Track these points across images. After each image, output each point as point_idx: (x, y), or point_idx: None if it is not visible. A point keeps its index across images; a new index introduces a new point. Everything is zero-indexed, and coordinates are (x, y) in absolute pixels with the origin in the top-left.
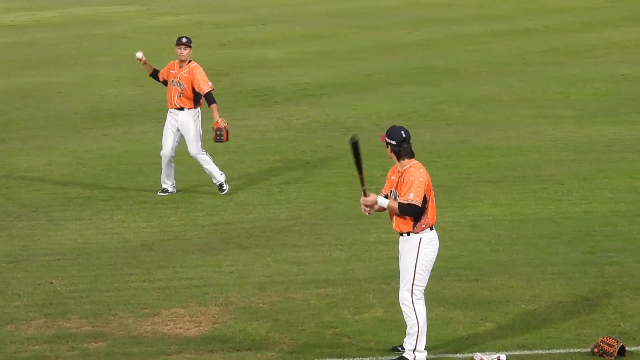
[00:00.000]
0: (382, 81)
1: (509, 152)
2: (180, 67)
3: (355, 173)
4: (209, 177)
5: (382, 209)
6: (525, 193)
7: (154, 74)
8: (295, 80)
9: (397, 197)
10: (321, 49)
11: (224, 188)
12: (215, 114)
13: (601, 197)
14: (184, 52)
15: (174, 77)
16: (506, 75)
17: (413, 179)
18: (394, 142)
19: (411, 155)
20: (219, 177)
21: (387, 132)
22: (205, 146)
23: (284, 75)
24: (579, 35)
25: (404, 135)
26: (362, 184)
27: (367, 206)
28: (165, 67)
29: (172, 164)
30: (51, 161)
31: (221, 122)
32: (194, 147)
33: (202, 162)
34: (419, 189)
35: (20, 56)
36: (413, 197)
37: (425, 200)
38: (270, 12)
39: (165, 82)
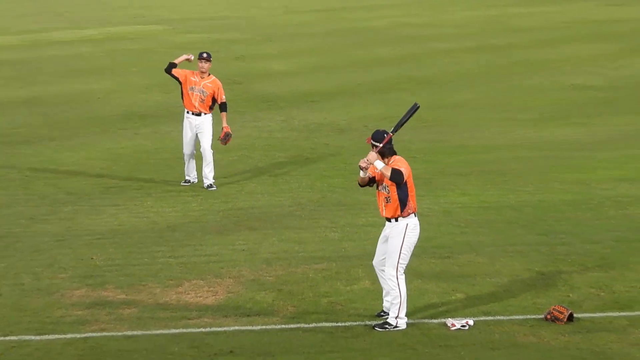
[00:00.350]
0: (371, 89)
1: (477, 150)
2: (202, 78)
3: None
4: (224, 171)
5: (370, 177)
6: (489, 184)
7: (172, 67)
8: (297, 88)
9: (387, 189)
10: (319, 62)
11: (213, 188)
12: (225, 120)
13: (553, 188)
14: (205, 65)
15: (196, 85)
16: (476, 84)
17: (399, 163)
18: (379, 144)
19: (394, 153)
20: (212, 177)
21: (372, 135)
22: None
23: (288, 84)
24: (537, 51)
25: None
26: (393, 131)
27: (368, 160)
28: (185, 71)
29: (194, 160)
30: (91, 156)
31: (228, 128)
32: (207, 144)
33: (208, 157)
34: (404, 170)
35: (66, 67)
36: (399, 173)
37: (407, 187)
38: (276, 31)
39: (178, 80)
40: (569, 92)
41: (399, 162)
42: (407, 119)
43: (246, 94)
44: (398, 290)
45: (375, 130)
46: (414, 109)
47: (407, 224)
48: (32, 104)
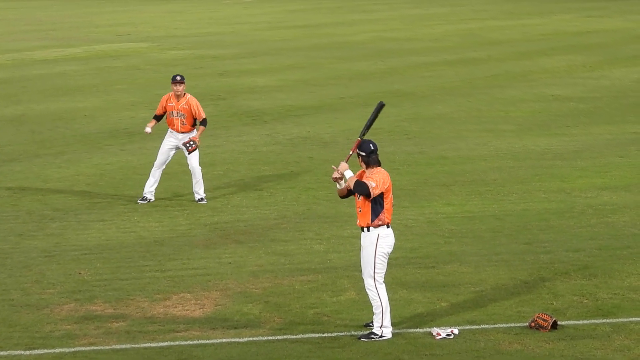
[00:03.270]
0: (353, 103)
1: (459, 161)
2: (177, 101)
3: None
4: (210, 185)
5: (341, 186)
6: (473, 194)
7: (158, 120)
8: (281, 103)
9: (360, 197)
10: (302, 77)
11: (204, 202)
12: (199, 133)
13: (536, 197)
14: (179, 87)
15: (174, 109)
16: (456, 96)
17: (376, 176)
18: (364, 154)
19: (378, 164)
20: (202, 192)
21: (359, 145)
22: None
23: (272, 99)
24: (517, 63)
25: (372, 148)
26: (361, 135)
27: (338, 170)
28: (161, 102)
29: (159, 176)
30: (78, 172)
31: (197, 139)
32: (195, 161)
33: (197, 175)
34: (379, 182)
35: (52, 85)
36: (371, 182)
37: (382, 198)
38: (260, 47)
39: (164, 114)
40: (550, 102)
41: (377, 174)
42: (374, 119)
43: (230, 109)
44: (379, 299)
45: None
46: (379, 107)
47: (378, 234)
48: (19, 122)
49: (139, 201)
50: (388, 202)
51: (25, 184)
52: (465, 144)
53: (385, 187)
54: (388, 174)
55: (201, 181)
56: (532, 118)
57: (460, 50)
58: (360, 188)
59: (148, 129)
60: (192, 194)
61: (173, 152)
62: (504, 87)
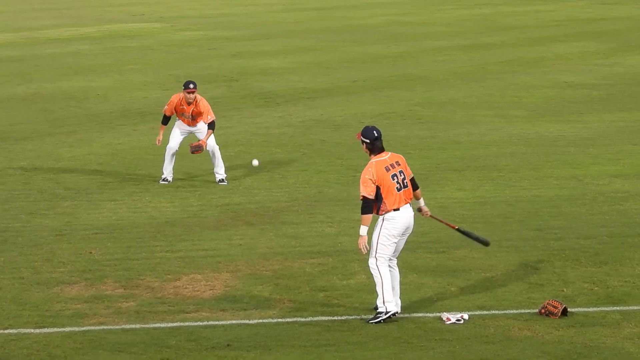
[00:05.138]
0: (366, 86)
1: (471, 146)
2: (189, 105)
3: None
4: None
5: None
6: (484, 180)
7: (166, 123)
8: (293, 85)
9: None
10: (315, 59)
11: (225, 182)
12: (207, 137)
13: (548, 184)
14: (192, 96)
15: (186, 112)
16: (469, 81)
17: (360, 179)
18: (367, 140)
19: (381, 150)
20: (222, 172)
21: (362, 131)
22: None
23: (285, 81)
24: (530, 49)
25: (376, 135)
26: (446, 223)
27: (362, 244)
28: (171, 103)
29: (174, 158)
30: (90, 152)
31: (204, 143)
32: (213, 141)
33: (217, 154)
34: (364, 185)
35: (65, 64)
36: (362, 192)
37: (379, 191)
38: (273, 29)
39: (172, 115)
40: (563, 89)
41: (363, 173)
42: (469, 236)
43: (243, 90)
44: (380, 277)
45: (365, 126)
46: (481, 242)
47: (383, 218)
48: (31, 101)
49: (160, 181)
50: (385, 191)
51: (37, 162)
52: (478, 129)
53: (374, 181)
54: (378, 161)
55: (221, 161)
56: (545, 104)
57: (473, 35)
58: (363, 207)
59: (158, 142)
60: (204, 174)
61: (185, 136)
62: (517, 72)
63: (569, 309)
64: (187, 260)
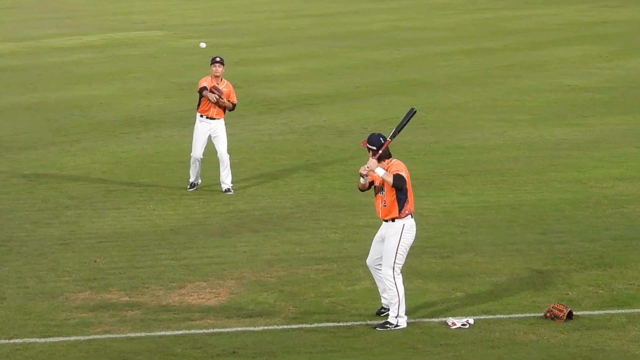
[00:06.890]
0: (369, 92)
1: (475, 150)
2: (217, 83)
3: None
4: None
5: (370, 181)
6: (488, 184)
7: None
8: (296, 92)
9: (383, 192)
10: (318, 66)
11: (231, 192)
12: (225, 101)
13: (552, 187)
14: (219, 69)
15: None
16: (472, 86)
17: (399, 166)
18: (374, 148)
19: (389, 156)
20: (229, 182)
21: (368, 138)
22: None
23: (288, 88)
24: (533, 53)
25: (383, 141)
26: (390, 137)
27: (368, 167)
28: (205, 80)
29: (200, 164)
30: (94, 160)
31: (222, 97)
32: (224, 148)
33: (225, 161)
34: (404, 174)
35: (68, 73)
36: (401, 173)
37: (406, 190)
38: (275, 36)
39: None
40: (566, 92)
41: (397, 165)
42: (405, 124)
43: (247, 97)
44: (396, 289)
45: (371, 133)
46: (411, 113)
47: (403, 225)
48: (34, 110)
49: (188, 189)
50: (410, 192)
51: (40, 171)
52: (481, 134)
53: (407, 177)
54: (403, 164)
55: (229, 170)
56: (548, 108)
57: (476, 40)
58: (399, 181)
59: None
60: (208, 182)
61: (205, 144)
62: (520, 76)
63: (574, 312)
64: (191, 267)
